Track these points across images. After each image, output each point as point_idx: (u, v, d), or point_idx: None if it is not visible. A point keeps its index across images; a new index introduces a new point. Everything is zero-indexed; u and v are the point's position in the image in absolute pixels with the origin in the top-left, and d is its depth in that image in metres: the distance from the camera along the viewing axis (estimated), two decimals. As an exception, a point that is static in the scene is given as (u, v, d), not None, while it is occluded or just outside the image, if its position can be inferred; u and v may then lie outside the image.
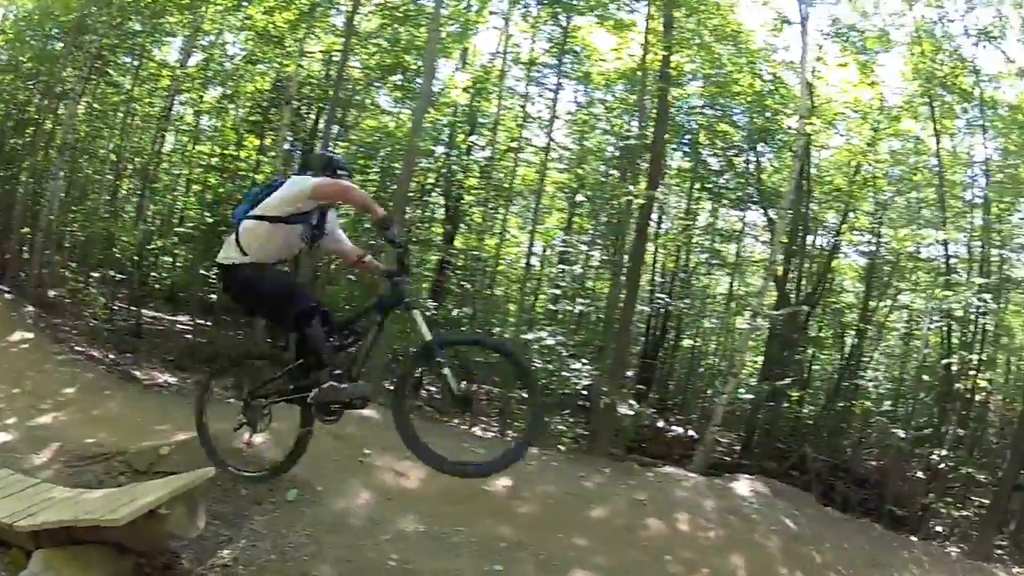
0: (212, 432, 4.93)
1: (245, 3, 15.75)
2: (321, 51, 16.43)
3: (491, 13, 15.24)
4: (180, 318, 17.69)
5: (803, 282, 15.63)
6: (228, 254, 4.59)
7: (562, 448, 11.11)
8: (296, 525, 5.99)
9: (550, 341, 12.09)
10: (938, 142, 14.96)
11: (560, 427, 12.18)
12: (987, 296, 13.85)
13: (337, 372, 4.49)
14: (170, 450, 7.29)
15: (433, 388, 14.77)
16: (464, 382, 4.86)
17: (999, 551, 12.36)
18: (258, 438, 4.94)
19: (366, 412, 8.43)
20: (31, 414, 9.52)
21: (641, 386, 14.98)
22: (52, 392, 10.65)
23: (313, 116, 17.09)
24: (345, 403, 4.54)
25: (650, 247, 16.27)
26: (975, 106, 14.83)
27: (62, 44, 16.40)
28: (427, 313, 14.31)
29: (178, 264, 19.00)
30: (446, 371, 4.40)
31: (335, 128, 15.89)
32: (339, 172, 4.75)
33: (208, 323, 16.83)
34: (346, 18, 14.90)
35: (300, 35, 15.40)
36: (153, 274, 18.95)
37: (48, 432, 8.78)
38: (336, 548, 5.69)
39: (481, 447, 8.43)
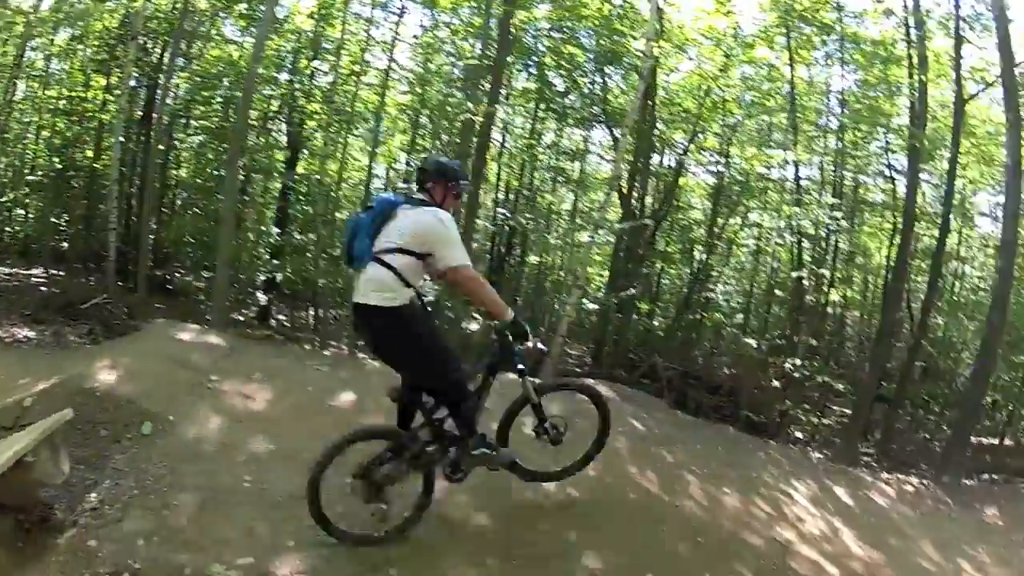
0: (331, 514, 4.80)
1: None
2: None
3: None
4: (34, 271, 16.98)
5: (649, 199, 15.95)
6: (383, 292, 4.34)
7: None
8: (154, 457, 5.91)
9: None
10: (793, 71, 15.39)
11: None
12: (838, 215, 14.31)
13: (488, 440, 4.74)
14: (32, 400, 6.81)
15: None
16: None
17: (866, 457, 12.84)
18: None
19: (212, 339, 8.44)
20: None
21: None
22: None
23: (159, 51, 16.62)
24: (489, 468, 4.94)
25: (494, 166, 16.52)
26: (836, 40, 15.36)
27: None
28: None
29: (31, 215, 18.54)
30: (549, 429, 5.17)
31: (179, 61, 15.60)
32: (460, 182, 4.70)
33: (61, 273, 16.39)
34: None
35: (148, -33, 14.92)
36: (8, 229, 18.45)
37: (-92, 402, 8.28)
38: (193, 476, 5.65)
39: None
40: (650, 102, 14.63)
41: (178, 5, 15.54)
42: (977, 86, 14.05)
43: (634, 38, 14.53)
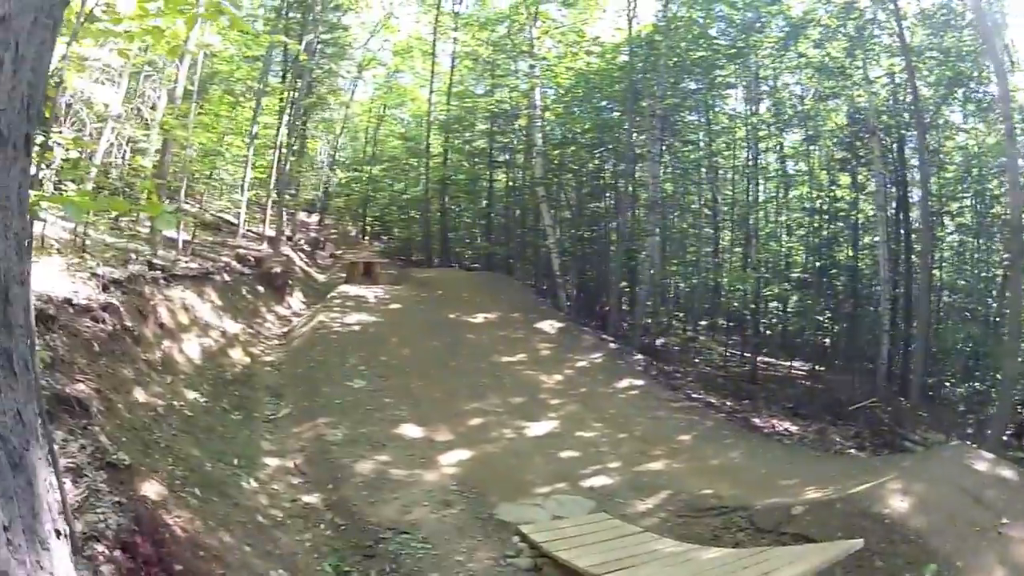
0: None
1: (790, 41, 16.90)
2: (884, 74, 16.61)
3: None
4: (794, 363, 18.66)
5: None
6: None
7: None
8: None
9: None
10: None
11: None
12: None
13: None
14: (803, 510, 7.07)
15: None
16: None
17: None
18: None
19: (1005, 473, 7.77)
20: (638, 460, 9.96)
21: None
22: (664, 438, 11.01)
23: (895, 144, 16.99)
24: None
25: None
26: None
27: (618, 112, 19.27)
28: None
29: (789, 310, 20.41)
30: None
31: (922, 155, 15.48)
32: None
33: (822, 368, 17.70)
34: (896, 34, 15.04)
35: (858, 61, 16.00)
36: (763, 320, 20.38)
37: (656, 479, 9.16)
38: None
39: None
40: None
41: (900, 96, 16.10)
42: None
43: None
